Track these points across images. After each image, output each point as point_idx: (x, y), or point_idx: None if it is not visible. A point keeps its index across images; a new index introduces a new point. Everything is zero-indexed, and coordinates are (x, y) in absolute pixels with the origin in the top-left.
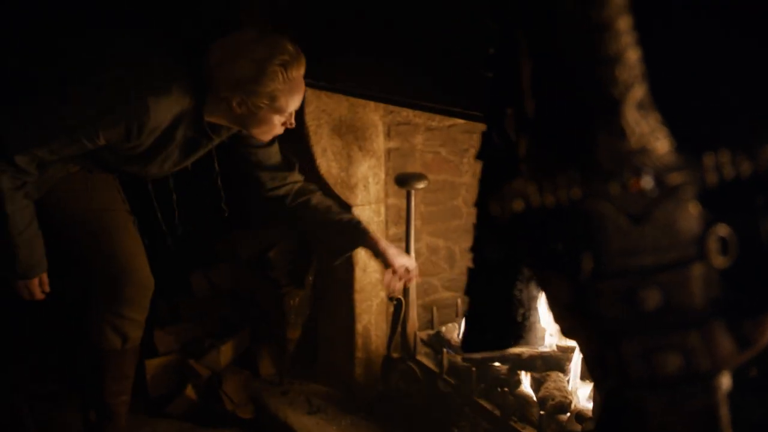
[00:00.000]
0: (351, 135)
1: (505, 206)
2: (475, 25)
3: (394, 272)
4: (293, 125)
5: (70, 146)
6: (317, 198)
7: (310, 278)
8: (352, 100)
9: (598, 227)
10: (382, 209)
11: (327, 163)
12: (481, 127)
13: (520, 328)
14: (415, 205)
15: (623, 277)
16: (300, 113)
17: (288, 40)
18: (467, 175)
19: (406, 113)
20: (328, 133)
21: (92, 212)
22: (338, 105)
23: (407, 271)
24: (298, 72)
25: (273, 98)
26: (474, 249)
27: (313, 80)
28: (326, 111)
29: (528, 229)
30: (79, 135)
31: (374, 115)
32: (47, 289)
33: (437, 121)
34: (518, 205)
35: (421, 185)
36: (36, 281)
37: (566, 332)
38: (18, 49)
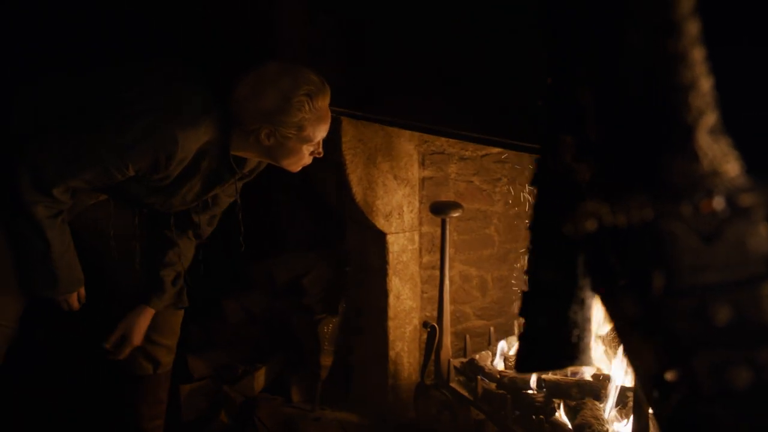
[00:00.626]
0: (386, 164)
1: (578, 226)
2: (517, 56)
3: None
4: (321, 154)
5: (101, 177)
6: (175, 255)
7: (344, 305)
8: (388, 129)
9: (670, 246)
10: (416, 237)
11: (363, 191)
12: (515, 156)
13: (575, 348)
14: (449, 233)
15: (694, 294)
16: (337, 142)
17: (312, 71)
18: (499, 204)
19: (440, 143)
20: (364, 162)
21: (117, 239)
22: (374, 134)
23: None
24: (324, 101)
25: (300, 128)
26: (529, 272)
27: (349, 110)
28: (362, 140)
29: (600, 248)
30: (108, 166)
31: (409, 145)
32: (84, 300)
33: (470, 150)
34: (591, 225)
35: (456, 213)
36: (75, 294)
37: (628, 351)
38: (51, 79)
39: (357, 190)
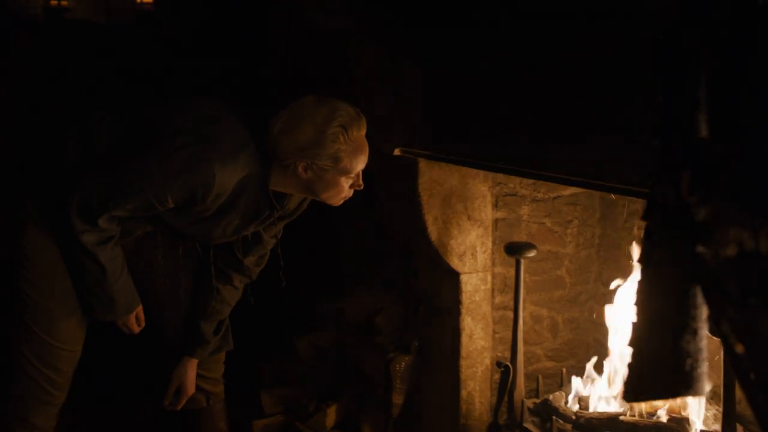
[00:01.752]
0: (461, 205)
1: (719, 252)
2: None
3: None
4: (361, 187)
5: (142, 207)
6: (218, 304)
7: (416, 343)
8: (463, 170)
9: None
10: (489, 277)
11: (438, 232)
12: (586, 198)
13: (688, 377)
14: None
15: None
16: (413, 183)
17: (347, 104)
18: (570, 245)
19: (513, 185)
20: (439, 203)
21: (165, 269)
22: (449, 176)
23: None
24: (359, 132)
25: (337, 159)
26: (639, 303)
27: (426, 151)
28: (438, 181)
29: (738, 275)
30: (149, 196)
31: (483, 186)
32: (143, 323)
33: (543, 192)
34: (732, 251)
35: (530, 254)
36: (133, 317)
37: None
38: (102, 114)
39: (432, 230)
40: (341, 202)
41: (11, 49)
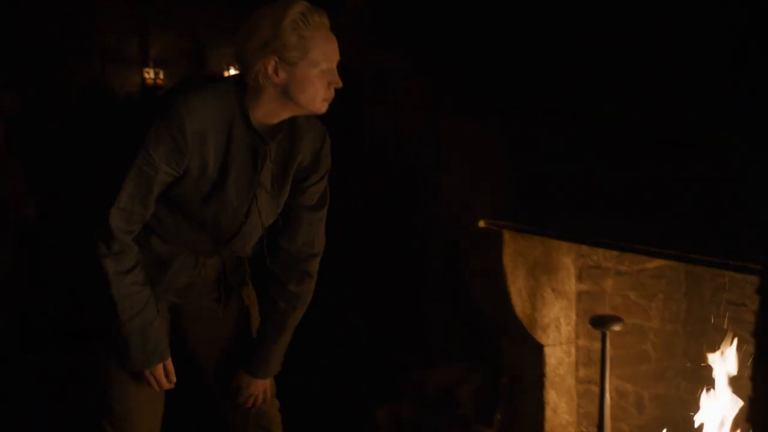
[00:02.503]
0: (545, 277)
1: None
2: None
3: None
4: (340, 84)
5: (140, 184)
6: (281, 315)
7: (499, 416)
8: (546, 242)
9: None
10: (573, 350)
11: (522, 303)
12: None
13: None
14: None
15: None
16: (497, 255)
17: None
18: (656, 319)
19: (597, 257)
20: (523, 275)
21: (205, 321)
22: (533, 248)
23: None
24: (321, 18)
25: (304, 49)
26: (754, 378)
27: (512, 222)
28: (522, 254)
29: None
30: (140, 167)
31: (567, 258)
32: (173, 378)
33: (626, 265)
34: None
35: (617, 328)
36: (159, 370)
37: None
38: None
39: (516, 302)
40: (325, 106)
41: (107, 126)
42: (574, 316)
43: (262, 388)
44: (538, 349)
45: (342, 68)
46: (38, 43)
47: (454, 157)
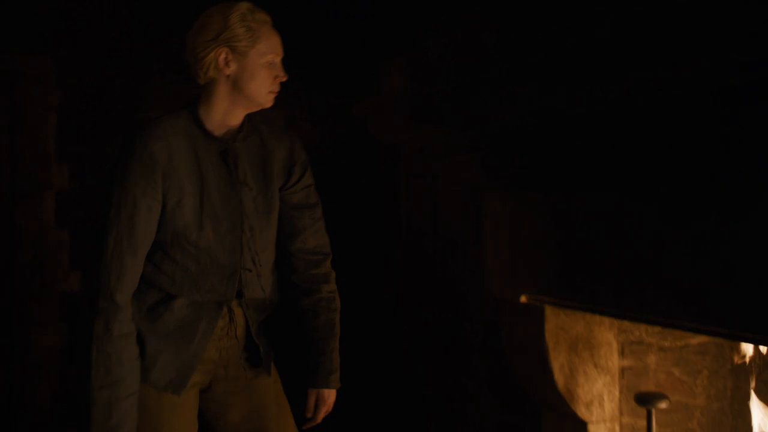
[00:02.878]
0: (587, 352)
1: None
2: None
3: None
4: (285, 77)
5: (122, 224)
6: (324, 318)
7: None
8: (588, 317)
9: None
10: (617, 427)
11: (564, 380)
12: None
13: None
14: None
15: None
16: (539, 330)
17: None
18: (701, 397)
19: (639, 333)
20: (566, 350)
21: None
22: (575, 323)
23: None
24: (265, 16)
25: (253, 38)
26: None
27: (554, 298)
28: (564, 329)
29: None
30: (117, 203)
31: (609, 333)
32: None
33: (669, 341)
34: None
35: (662, 405)
36: None
37: None
38: None
39: (559, 378)
40: (272, 99)
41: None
42: (617, 393)
43: (334, 398)
44: (581, 427)
45: (375, 142)
46: (88, 118)
47: (496, 233)
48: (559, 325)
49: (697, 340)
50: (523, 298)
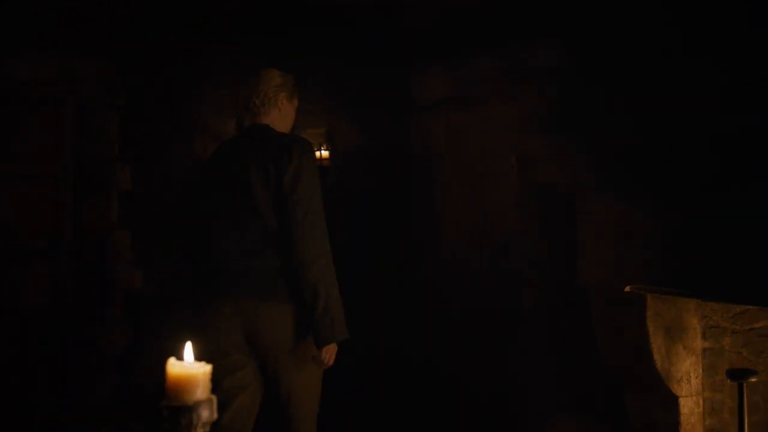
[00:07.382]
0: (677, 335)
1: None
2: None
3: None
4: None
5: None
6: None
7: None
8: (678, 304)
9: None
10: (701, 401)
11: (661, 359)
12: None
13: None
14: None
15: None
16: (641, 316)
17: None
18: (764, 374)
19: (717, 318)
20: (662, 334)
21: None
22: (668, 310)
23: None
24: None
25: (293, 94)
26: None
27: (658, 287)
28: (660, 314)
29: None
30: (318, 191)
31: (694, 319)
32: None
33: (739, 325)
34: None
35: (753, 379)
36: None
37: None
38: None
39: (657, 358)
40: (289, 125)
41: None
42: (700, 371)
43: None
44: (672, 401)
45: None
46: (148, 121)
47: (600, 230)
48: (657, 311)
49: (760, 323)
50: (627, 288)
